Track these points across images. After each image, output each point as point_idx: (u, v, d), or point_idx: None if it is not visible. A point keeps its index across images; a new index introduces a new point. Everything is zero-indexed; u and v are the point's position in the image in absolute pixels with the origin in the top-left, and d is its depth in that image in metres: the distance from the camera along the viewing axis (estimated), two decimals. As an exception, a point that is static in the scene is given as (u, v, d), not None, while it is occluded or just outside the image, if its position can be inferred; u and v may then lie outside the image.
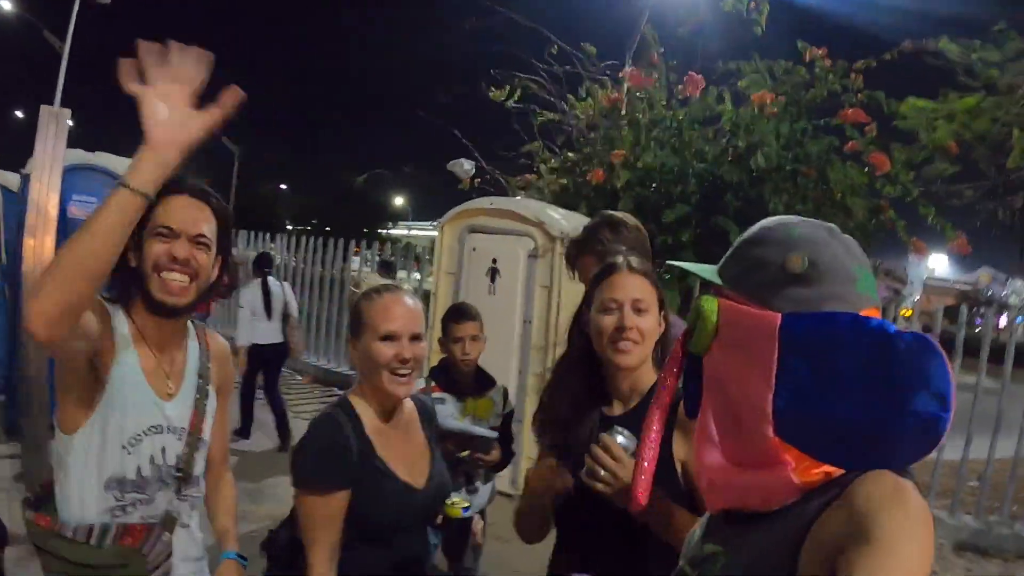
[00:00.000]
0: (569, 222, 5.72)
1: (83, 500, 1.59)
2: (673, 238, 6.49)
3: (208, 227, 1.64)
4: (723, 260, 1.04)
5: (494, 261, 5.81)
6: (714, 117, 7.36)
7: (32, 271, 4.00)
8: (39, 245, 4.00)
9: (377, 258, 9.41)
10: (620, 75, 8.26)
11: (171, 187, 1.52)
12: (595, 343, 1.66)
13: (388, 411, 1.79)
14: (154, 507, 1.65)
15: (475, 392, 3.01)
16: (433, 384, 2.98)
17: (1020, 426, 5.69)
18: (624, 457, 1.45)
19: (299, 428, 1.66)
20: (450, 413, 2.84)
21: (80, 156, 5.71)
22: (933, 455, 0.89)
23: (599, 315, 1.65)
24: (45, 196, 4.05)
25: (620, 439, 1.47)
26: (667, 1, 8.96)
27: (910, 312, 8.08)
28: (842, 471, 0.89)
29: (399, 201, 42.57)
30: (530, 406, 5.16)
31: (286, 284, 7.04)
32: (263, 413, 6.55)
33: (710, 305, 0.98)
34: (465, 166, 8.99)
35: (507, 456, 3.00)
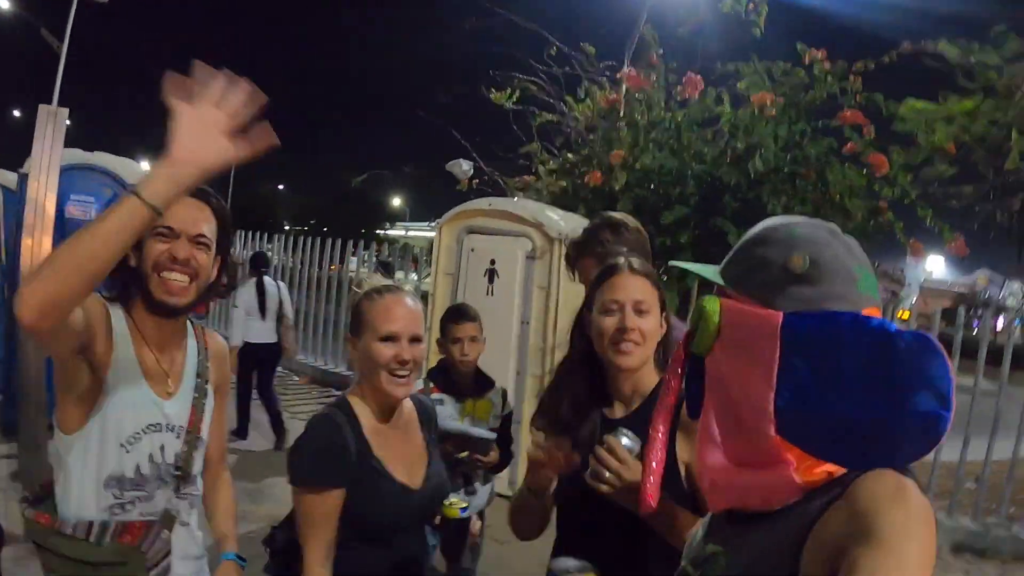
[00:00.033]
0: (567, 223, 5.72)
1: (82, 498, 1.59)
2: (672, 239, 6.50)
3: (208, 227, 1.65)
4: (725, 260, 1.05)
5: (492, 262, 5.80)
6: (713, 119, 7.37)
7: (29, 271, 3.98)
8: (37, 245, 3.99)
9: (375, 259, 9.42)
10: (618, 76, 8.26)
11: None
12: (596, 345, 1.66)
13: (386, 411, 1.79)
14: (153, 505, 1.66)
15: (474, 393, 3.00)
16: (432, 385, 2.97)
17: (1017, 428, 5.70)
18: (629, 459, 1.45)
19: (297, 428, 1.66)
20: (449, 414, 2.83)
21: (78, 156, 5.71)
22: (930, 456, 0.89)
23: (600, 316, 1.64)
24: (43, 196, 4.04)
25: (625, 441, 1.47)
26: (666, 2, 8.97)
27: (908, 314, 8.08)
28: (844, 470, 0.90)
29: (397, 202, 42.62)
30: (528, 407, 5.16)
31: (282, 284, 7.03)
32: (259, 413, 6.56)
33: (712, 305, 0.98)
34: (464, 167, 9.00)
35: (506, 458, 3.00)
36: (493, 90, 8.80)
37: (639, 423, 1.54)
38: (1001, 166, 7.10)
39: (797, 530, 0.87)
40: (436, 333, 3.10)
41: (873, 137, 6.76)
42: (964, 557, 5.50)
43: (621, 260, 1.70)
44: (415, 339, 1.74)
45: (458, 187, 8.93)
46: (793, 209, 6.41)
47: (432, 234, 6.78)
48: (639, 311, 1.63)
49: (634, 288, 1.64)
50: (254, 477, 5.23)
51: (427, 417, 1.95)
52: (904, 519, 0.80)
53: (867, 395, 0.86)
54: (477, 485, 2.99)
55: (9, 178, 6.16)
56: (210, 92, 1.29)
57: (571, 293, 5.18)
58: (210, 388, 1.80)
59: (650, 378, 1.68)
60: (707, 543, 1.04)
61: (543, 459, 1.55)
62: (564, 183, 7.99)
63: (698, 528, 1.13)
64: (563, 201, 7.40)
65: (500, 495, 3.23)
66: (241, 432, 6.46)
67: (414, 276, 10.17)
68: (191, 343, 1.79)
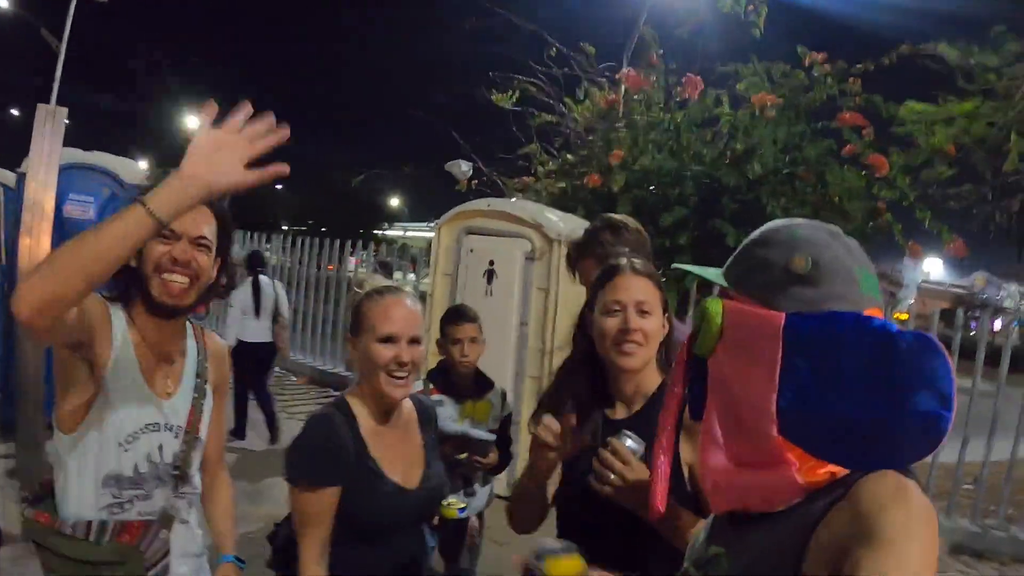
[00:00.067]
0: (566, 224, 5.72)
1: (81, 497, 1.60)
2: (671, 241, 6.51)
3: (209, 229, 1.66)
4: (728, 262, 1.05)
5: (491, 263, 5.80)
6: (712, 119, 7.38)
7: (27, 271, 3.97)
8: (35, 244, 3.98)
9: (373, 259, 9.41)
10: (617, 76, 8.27)
11: None
12: (598, 345, 1.65)
13: (385, 412, 1.79)
14: (151, 504, 1.66)
15: (474, 395, 3.00)
16: (431, 387, 2.97)
17: (1016, 429, 5.70)
18: (633, 461, 1.45)
19: (295, 429, 1.66)
20: (449, 416, 2.83)
21: (77, 155, 5.70)
22: (929, 457, 0.90)
23: (602, 317, 1.64)
24: (41, 195, 4.04)
25: (629, 443, 1.47)
26: (665, 2, 8.97)
27: (906, 316, 8.09)
28: (846, 471, 0.90)
29: (395, 202, 42.60)
30: (527, 409, 5.15)
31: (278, 283, 7.01)
32: (257, 413, 6.57)
33: (715, 307, 0.98)
34: (463, 167, 9.01)
35: (505, 459, 2.99)
36: (495, 91, 8.81)
37: (642, 424, 1.53)
38: (1000, 167, 7.11)
39: (799, 531, 0.87)
40: (434, 334, 3.09)
41: (872, 139, 6.78)
42: (962, 558, 5.51)
43: (623, 260, 1.69)
44: (414, 340, 1.75)
45: (457, 188, 8.94)
46: (792, 211, 6.41)
47: (430, 234, 6.78)
48: (641, 312, 1.62)
49: (636, 289, 1.64)
50: (252, 477, 5.22)
51: (427, 418, 1.95)
52: (906, 520, 0.80)
53: (869, 395, 0.86)
54: (476, 486, 2.98)
55: (9, 177, 6.15)
56: (234, 119, 1.32)
57: (570, 294, 5.17)
58: (209, 388, 1.81)
59: (652, 379, 1.68)
60: (709, 544, 1.04)
61: (552, 442, 1.54)
62: (563, 184, 8.00)
63: (700, 529, 1.13)
64: (562, 202, 7.41)
65: (499, 496, 3.23)
66: (239, 432, 6.46)
67: (412, 276, 10.17)
68: (190, 344, 1.80)
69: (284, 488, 1.71)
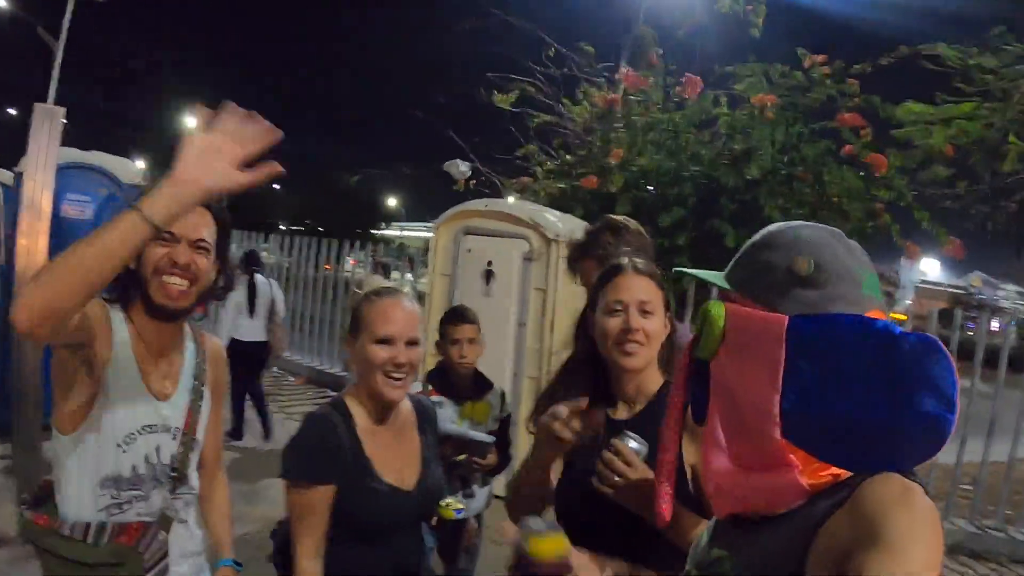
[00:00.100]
0: (565, 225, 5.72)
1: (79, 498, 1.60)
2: (669, 241, 6.50)
3: (208, 231, 1.67)
4: (730, 265, 1.05)
5: (489, 263, 5.79)
6: (711, 120, 7.38)
7: (24, 271, 3.96)
8: (32, 245, 3.96)
9: (370, 259, 9.40)
10: (616, 76, 8.27)
11: None
12: (600, 345, 1.65)
13: (382, 413, 1.79)
14: (150, 505, 1.67)
15: (473, 395, 2.99)
16: (430, 387, 2.96)
17: (1014, 430, 5.71)
18: (636, 462, 1.44)
19: (291, 429, 1.66)
20: (448, 417, 2.83)
21: (74, 155, 5.69)
22: (927, 458, 0.89)
23: (604, 317, 1.63)
24: (39, 195, 4.02)
25: (632, 444, 1.46)
26: (664, 3, 8.97)
27: (905, 316, 8.10)
28: (849, 473, 0.89)
29: (393, 202, 42.60)
30: (525, 409, 5.14)
31: (274, 283, 6.99)
32: (254, 414, 6.56)
33: (717, 310, 0.98)
34: (461, 167, 9.01)
35: (504, 460, 2.99)
36: (495, 92, 8.80)
37: (644, 424, 1.53)
38: (997, 168, 7.13)
39: (803, 533, 0.87)
40: (431, 334, 3.08)
41: (871, 139, 6.78)
42: (960, 559, 5.52)
43: (625, 260, 1.69)
44: (412, 342, 1.74)
45: (455, 187, 8.94)
46: (790, 211, 6.42)
47: (428, 234, 6.77)
48: (643, 311, 1.62)
49: (638, 288, 1.63)
50: (250, 478, 5.21)
51: (427, 419, 1.95)
52: (910, 522, 0.80)
53: (871, 397, 0.86)
54: (475, 488, 2.98)
55: (7, 176, 6.14)
56: (226, 122, 1.32)
57: (568, 295, 5.17)
58: (207, 390, 1.82)
59: (654, 379, 1.67)
60: (712, 547, 1.04)
61: (568, 437, 1.52)
62: (561, 184, 8.00)
63: (703, 532, 1.13)
64: (560, 202, 7.40)
65: (498, 497, 3.22)
66: (236, 433, 6.45)
67: (410, 276, 10.16)
68: (189, 345, 1.80)
69: (281, 489, 1.71)
